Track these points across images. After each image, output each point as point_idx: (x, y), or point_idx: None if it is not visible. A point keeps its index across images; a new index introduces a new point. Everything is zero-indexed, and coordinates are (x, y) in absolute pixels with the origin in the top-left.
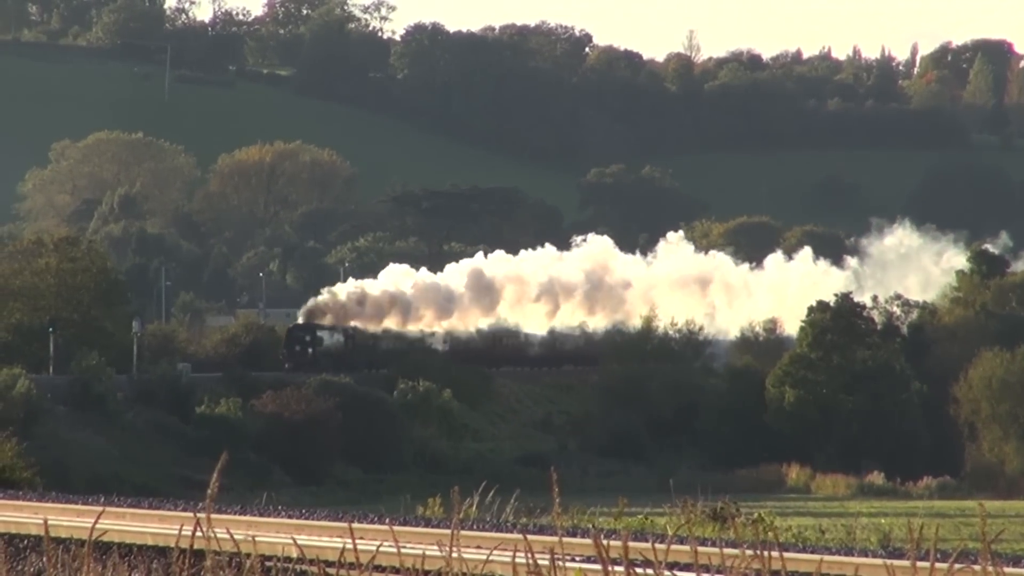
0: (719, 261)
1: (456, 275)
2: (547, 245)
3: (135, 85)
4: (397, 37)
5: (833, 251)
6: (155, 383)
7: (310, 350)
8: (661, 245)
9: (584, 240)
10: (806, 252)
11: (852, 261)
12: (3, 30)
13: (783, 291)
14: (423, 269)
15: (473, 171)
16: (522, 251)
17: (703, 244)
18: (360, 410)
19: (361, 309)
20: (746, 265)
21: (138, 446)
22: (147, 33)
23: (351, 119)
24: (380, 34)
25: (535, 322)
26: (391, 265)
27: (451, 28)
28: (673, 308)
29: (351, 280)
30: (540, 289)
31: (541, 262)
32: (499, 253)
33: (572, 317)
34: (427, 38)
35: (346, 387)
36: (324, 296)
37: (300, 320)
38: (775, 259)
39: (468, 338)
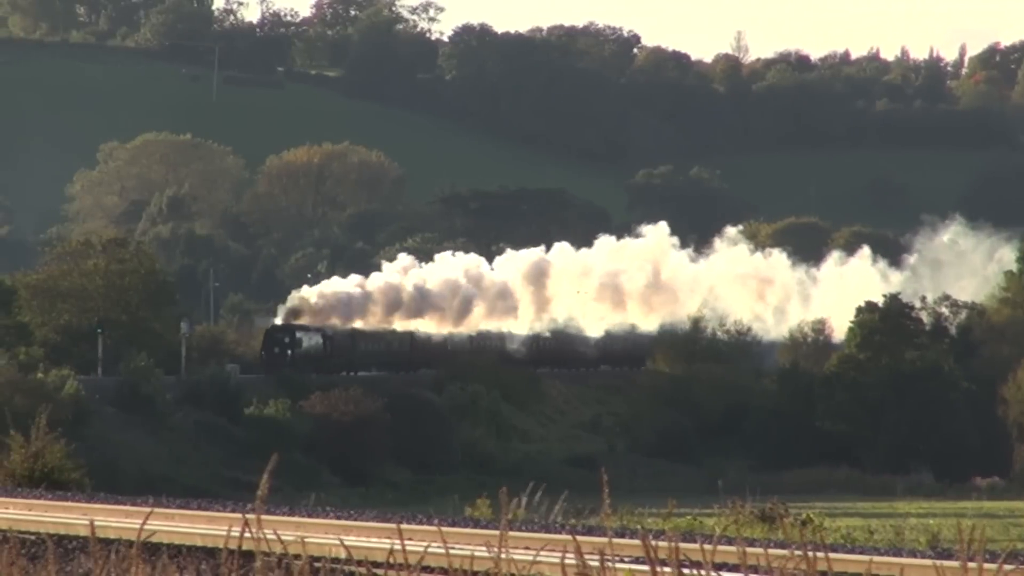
0: (776, 261)
1: (512, 270)
2: (601, 236)
3: (183, 86)
4: (445, 38)
5: (886, 252)
6: (204, 384)
7: (289, 352)
8: (718, 242)
9: (640, 232)
10: (864, 252)
11: (912, 259)
12: (51, 31)
13: (841, 291)
14: (483, 264)
15: (521, 172)
16: (583, 248)
17: (753, 245)
18: (408, 411)
19: (351, 308)
20: (803, 265)
21: (187, 447)
22: (195, 34)
23: (399, 120)
24: (428, 35)
25: (589, 322)
26: (445, 256)
27: (499, 29)
28: (730, 307)
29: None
30: (597, 284)
31: (597, 257)
32: (562, 245)
33: (628, 315)
34: (475, 39)
35: (394, 388)
36: (313, 293)
37: (278, 321)
38: (833, 259)
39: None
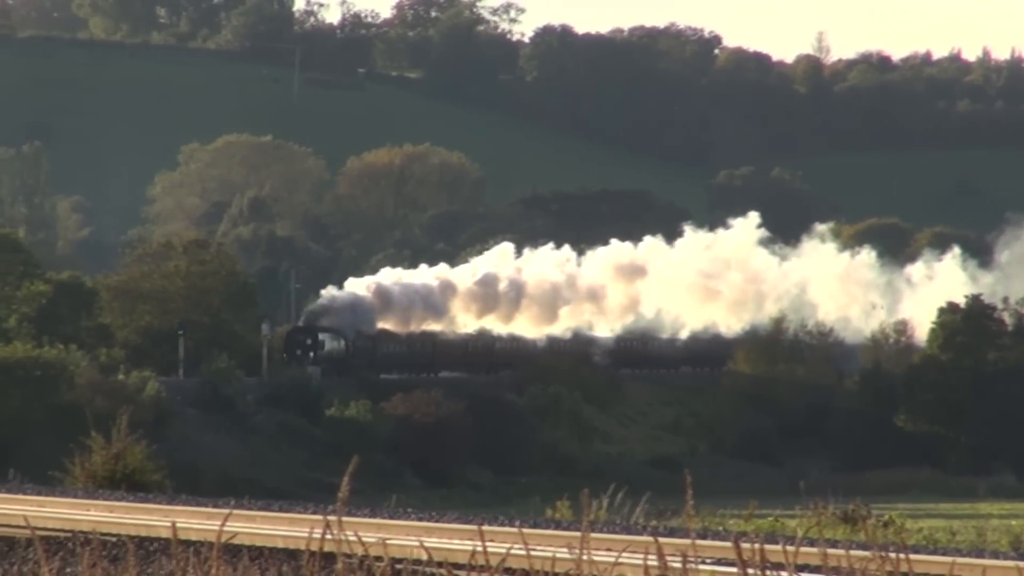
0: (863, 260)
1: (601, 266)
2: (688, 230)
3: (264, 88)
4: (526, 39)
5: (971, 252)
6: (285, 386)
7: (311, 354)
8: (806, 241)
9: (729, 224)
10: (955, 252)
11: (1002, 257)
12: (132, 33)
13: (930, 292)
14: (570, 261)
15: (602, 173)
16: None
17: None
18: (490, 413)
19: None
20: (890, 265)
21: (268, 449)
22: (276, 36)
23: (480, 121)
24: (509, 36)
25: (674, 322)
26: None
27: (580, 30)
28: (817, 307)
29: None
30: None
31: (687, 252)
32: (653, 240)
33: (715, 314)
34: (556, 40)
35: (475, 390)
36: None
37: (301, 323)
38: (922, 259)
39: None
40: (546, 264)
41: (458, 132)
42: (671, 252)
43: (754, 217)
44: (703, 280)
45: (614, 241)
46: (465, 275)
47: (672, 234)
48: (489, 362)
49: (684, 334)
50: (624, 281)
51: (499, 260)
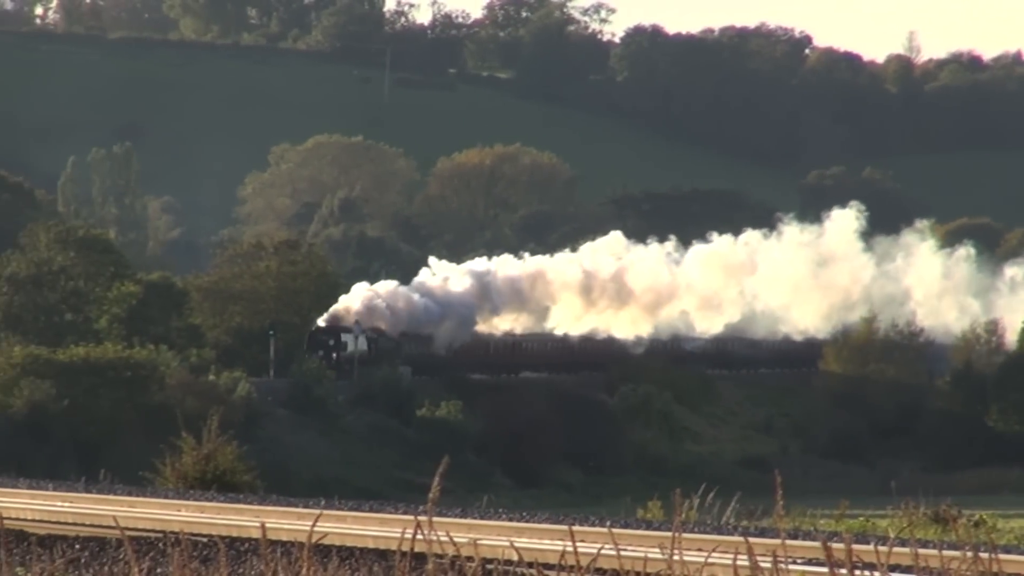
0: (959, 259)
1: (701, 263)
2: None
3: (355, 88)
4: (617, 39)
5: None
6: (376, 386)
7: (334, 355)
8: (905, 237)
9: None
10: None
11: None
12: (223, 34)
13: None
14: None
15: (693, 173)
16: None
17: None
18: (580, 413)
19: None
20: (987, 265)
21: (359, 449)
22: (366, 36)
23: (571, 121)
24: (600, 36)
25: (774, 320)
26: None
27: (671, 30)
28: (913, 305)
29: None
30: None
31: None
32: (750, 235)
33: (808, 313)
34: (647, 40)
35: (566, 389)
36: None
37: (322, 323)
38: (1016, 258)
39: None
40: (649, 260)
41: (549, 132)
42: (774, 247)
43: (854, 210)
44: (807, 277)
45: (714, 235)
46: (566, 267)
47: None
48: (580, 362)
49: (781, 332)
50: (728, 277)
51: (601, 255)
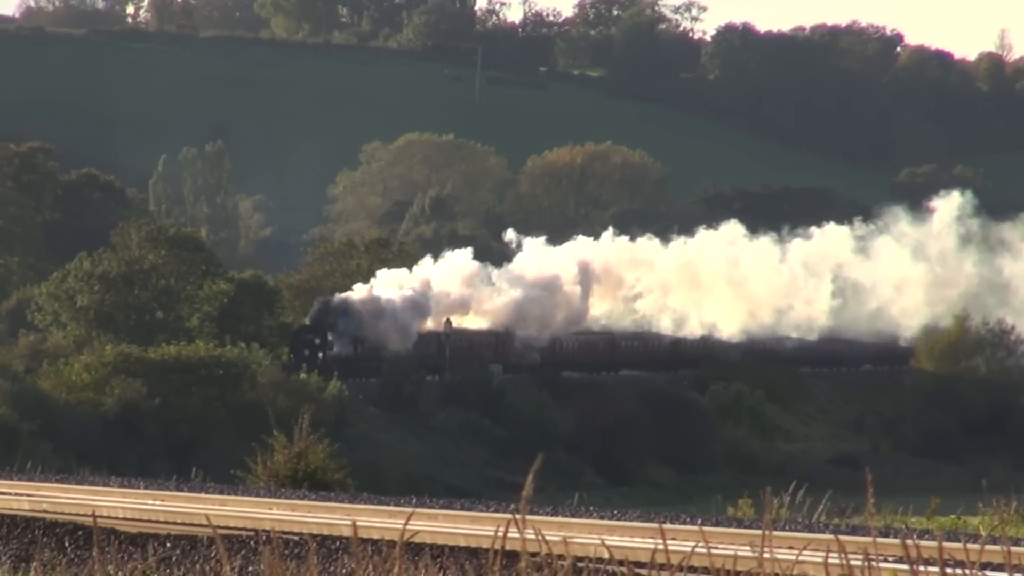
0: None
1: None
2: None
3: (446, 87)
4: (708, 38)
5: None
6: (466, 385)
7: (320, 354)
8: (1003, 231)
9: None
10: None
11: None
12: (314, 33)
13: None
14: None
15: (784, 171)
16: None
17: None
18: (671, 411)
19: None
20: None
21: (450, 447)
22: (457, 35)
23: (661, 120)
24: (691, 35)
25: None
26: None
27: (761, 28)
28: (1009, 303)
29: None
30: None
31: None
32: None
33: (905, 311)
34: (737, 38)
35: (657, 388)
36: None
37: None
38: None
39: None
40: (757, 254)
41: (640, 130)
42: (873, 242)
43: (957, 197)
44: (907, 272)
45: (813, 229)
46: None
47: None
48: (678, 360)
49: (876, 329)
50: (824, 273)
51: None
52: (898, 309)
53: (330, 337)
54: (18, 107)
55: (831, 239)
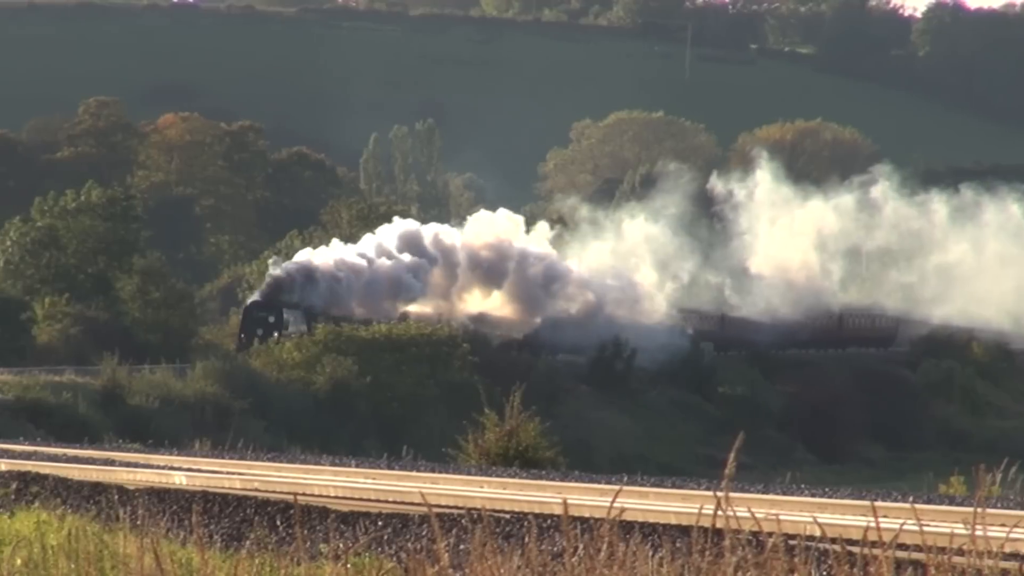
0: None
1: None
2: None
3: (656, 64)
4: (918, 14)
5: None
6: (677, 363)
7: (276, 333)
8: None
9: None
10: None
11: None
12: (524, 10)
13: None
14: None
15: (995, 148)
16: None
17: None
18: (882, 388)
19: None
20: None
21: (661, 425)
22: (668, 12)
23: (872, 97)
24: (901, 11)
25: None
26: None
27: (972, 5)
28: None
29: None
30: None
31: None
32: None
33: None
34: (948, 15)
35: (868, 365)
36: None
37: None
38: None
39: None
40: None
41: (850, 107)
42: None
43: None
44: None
45: None
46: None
47: None
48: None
49: None
50: None
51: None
52: None
53: (285, 315)
54: (229, 86)
55: None
